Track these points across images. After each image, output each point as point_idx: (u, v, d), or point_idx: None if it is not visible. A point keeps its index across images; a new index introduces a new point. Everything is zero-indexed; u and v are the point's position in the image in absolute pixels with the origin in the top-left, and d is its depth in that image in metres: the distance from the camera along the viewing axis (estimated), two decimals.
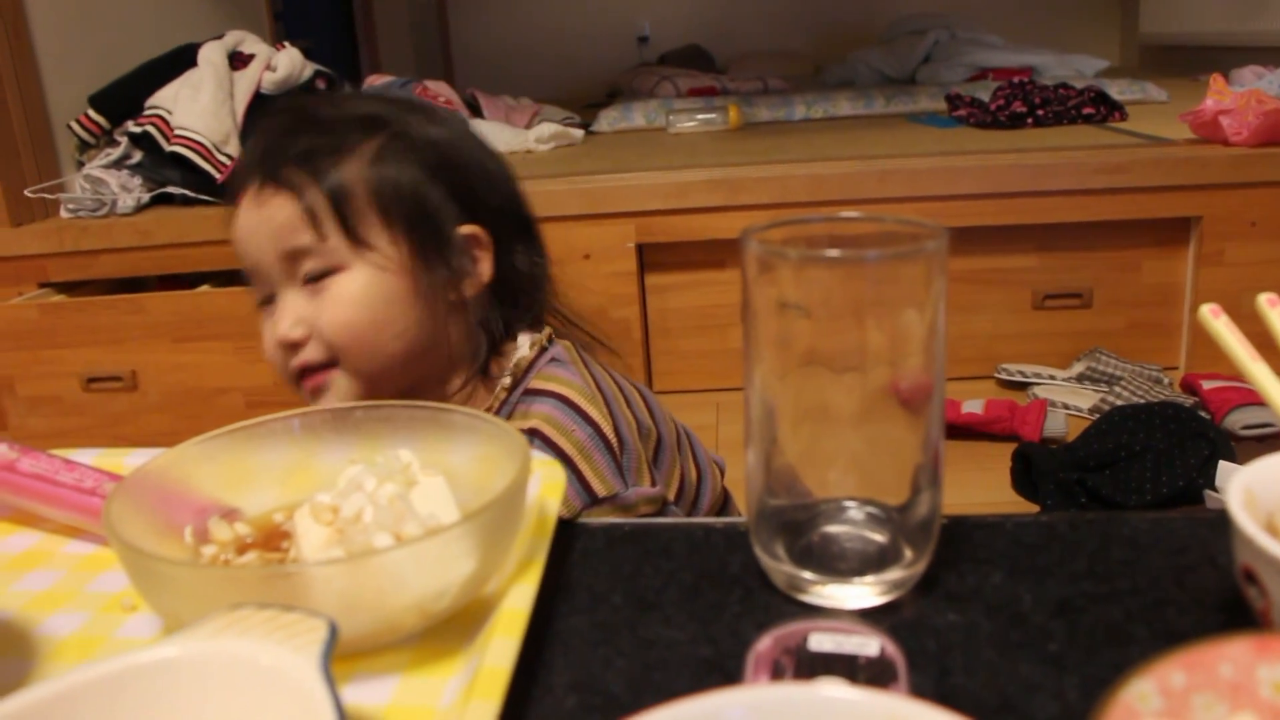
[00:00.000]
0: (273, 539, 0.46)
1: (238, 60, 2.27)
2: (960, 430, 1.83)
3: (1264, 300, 0.48)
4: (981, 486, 1.67)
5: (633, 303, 2.03)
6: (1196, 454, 1.55)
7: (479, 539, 0.39)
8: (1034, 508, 1.58)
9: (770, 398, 0.42)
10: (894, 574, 0.43)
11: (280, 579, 0.36)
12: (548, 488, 0.49)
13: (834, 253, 0.38)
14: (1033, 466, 1.60)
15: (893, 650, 0.36)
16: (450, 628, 0.41)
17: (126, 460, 0.56)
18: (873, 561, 0.43)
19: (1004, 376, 2.06)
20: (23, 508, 0.52)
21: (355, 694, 0.38)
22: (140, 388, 1.91)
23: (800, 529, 0.44)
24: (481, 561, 0.40)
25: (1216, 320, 0.47)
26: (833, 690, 0.27)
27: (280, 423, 0.49)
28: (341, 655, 0.38)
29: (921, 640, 0.40)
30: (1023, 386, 2.05)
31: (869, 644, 0.36)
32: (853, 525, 0.44)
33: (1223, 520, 0.42)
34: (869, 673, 0.35)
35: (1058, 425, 1.80)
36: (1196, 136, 2.11)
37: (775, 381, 0.42)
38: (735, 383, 2.09)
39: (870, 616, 0.42)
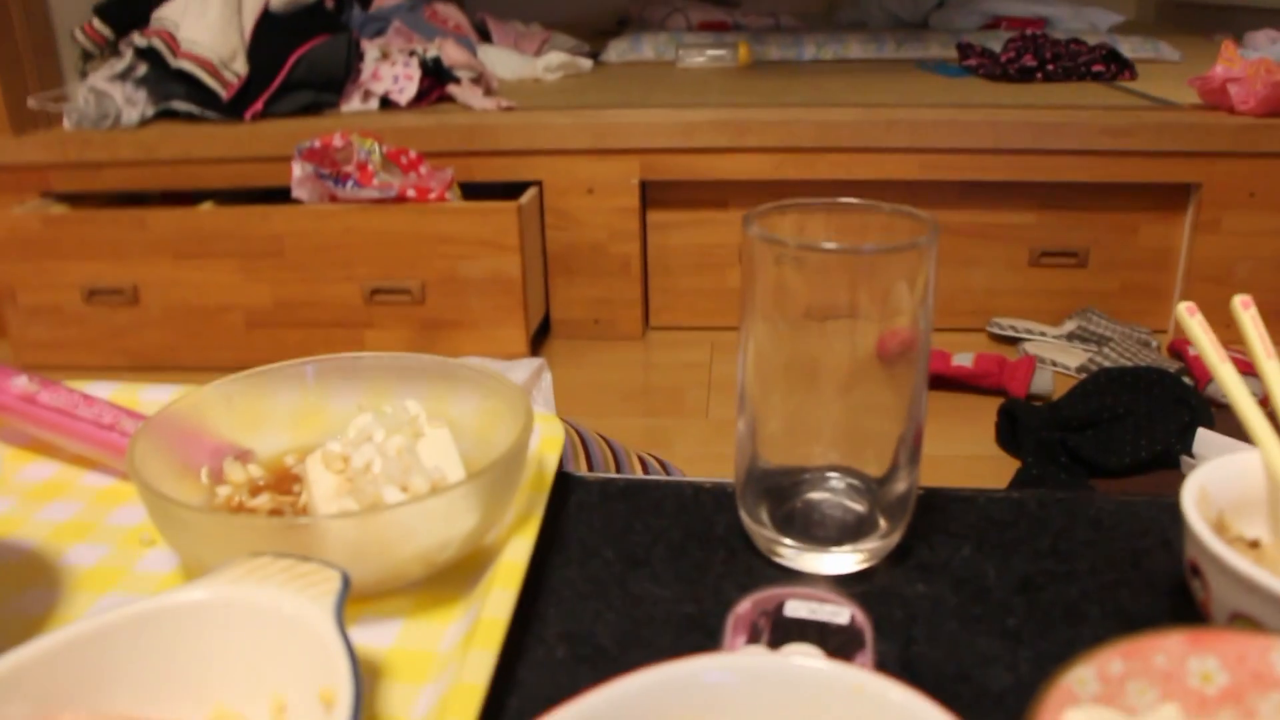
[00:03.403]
0: (284, 482, 0.48)
1: None
2: (950, 382, 1.86)
3: (1238, 302, 0.51)
4: (968, 439, 1.70)
5: (634, 239, 2.05)
6: (1177, 420, 1.58)
7: (482, 496, 0.41)
8: (1016, 462, 1.61)
9: (762, 369, 0.45)
10: (869, 544, 0.46)
11: (297, 530, 0.38)
12: (546, 442, 0.51)
13: (831, 245, 0.40)
14: (1017, 424, 1.63)
15: (861, 619, 0.39)
16: (451, 576, 0.44)
17: (142, 395, 0.58)
18: (850, 531, 0.46)
19: (996, 330, 2.09)
20: (41, 438, 0.55)
21: (361, 636, 0.41)
22: (141, 302, 1.93)
23: (784, 495, 0.47)
24: (483, 516, 0.42)
25: (1192, 319, 0.50)
26: (806, 661, 0.30)
27: (294, 368, 0.52)
28: (349, 599, 0.41)
29: (890, 609, 0.43)
30: (1014, 341, 2.08)
31: (840, 613, 0.39)
32: (834, 494, 0.47)
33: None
34: (838, 639, 0.38)
35: (1044, 382, 1.83)
36: (1203, 102, 2.12)
37: (768, 354, 0.44)
38: (730, 322, 2.11)
39: (845, 583, 0.45)
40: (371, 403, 0.52)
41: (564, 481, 0.53)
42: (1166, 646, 0.33)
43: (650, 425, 1.75)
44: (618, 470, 0.84)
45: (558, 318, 2.10)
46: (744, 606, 0.39)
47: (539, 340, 2.07)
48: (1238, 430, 1.52)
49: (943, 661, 0.40)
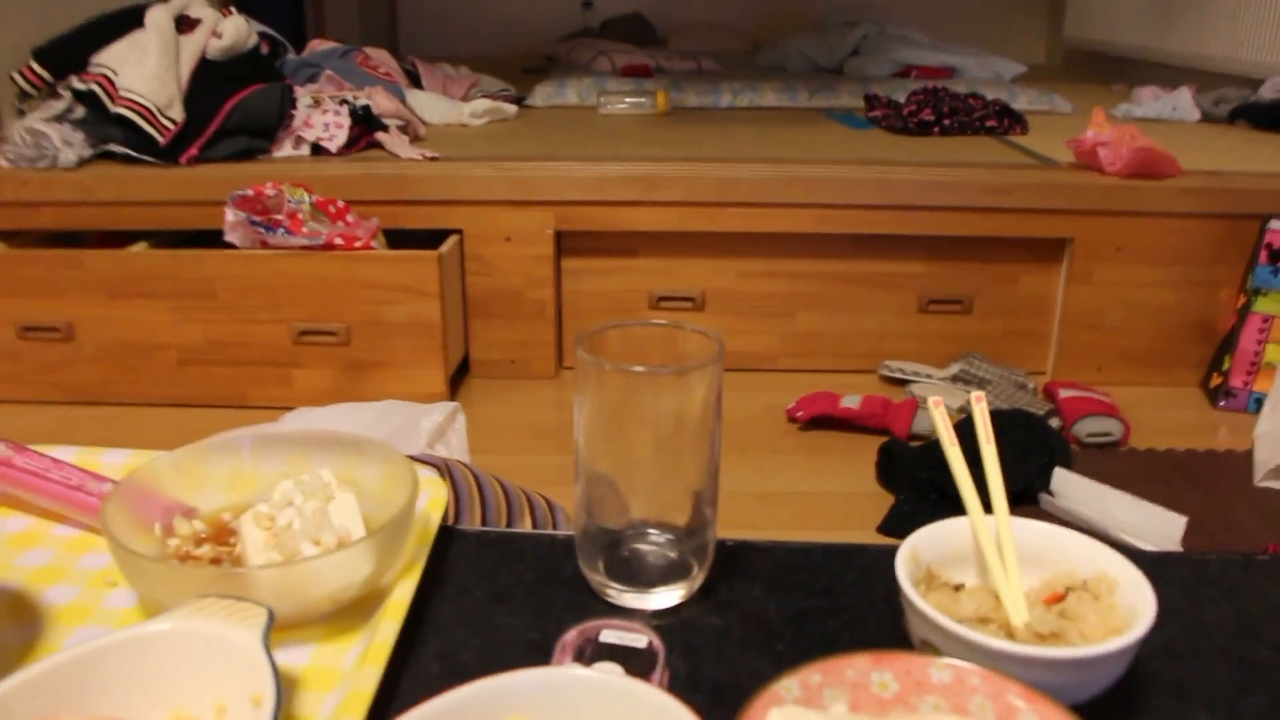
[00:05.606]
0: (222, 534, 0.60)
1: (184, 24, 2.36)
2: (838, 423, 2.01)
3: (974, 397, 0.65)
4: (851, 477, 1.85)
5: (548, 285, 2.18)
6: (1037, 460, 1.74)
7: (377, 550, 0.54)
8: (892, 499, 1.77)
9: (592, 450, 0.58)
10: (679, 585, 0.59)
11: (235, 577, 0.51)
12: (433, 503, 0.64)
13: (639, 368, 0.54)
14: (894, 462, 1.78)
15: (657, 644, 0.52)
16: (352, 610, 0.56)
17: (101, 458, 0.70)
18: (664, 574, 0.59)
19: (886, 373, 2.25)
20: (15, 496, 0.66)
21: (283, 657, 0.53)
22: (76, 339, 2.02)
23: (615, 546, 0.60)
24: (378, 565, 0.55)
25: (936, 409, 0.64)
26: (585, 671, 0.43)
27: (232, 440, 0.64)
28: (275, 628, 0.54)
29: (689, 637, 0.56)
30: (902, 383, 2.24)
31: (640, 639, 0.52)
32: (653, 545, 0.60)
33: None
34: (639, 659, 0.51)
35: (925, 423, 1.99)
36: (1078, 162, 2.31)
37: (596, 439, 0.58)
38: (638, 362, 2.25)
39: (658, 616, 0.58)
40: (293, 469, 0.64)
41: (448, 534, 0.66)
42: (855, 664, 0.47)
43: (561, 462, 1.88)
44: (509, 511, 0.97)
45: (476, 358, 2.23)
46: (570, 634, 0.53)
47: (458, 379, 2.19)
48: (1094, 470, 1.71)
49: (721, 676, 0.54)
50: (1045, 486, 1.72)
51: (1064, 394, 2.08)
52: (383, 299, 1.96)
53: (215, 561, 0.58)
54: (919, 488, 1.70)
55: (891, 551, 0.65)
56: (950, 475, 0.59)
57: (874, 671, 0.47)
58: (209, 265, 1.97)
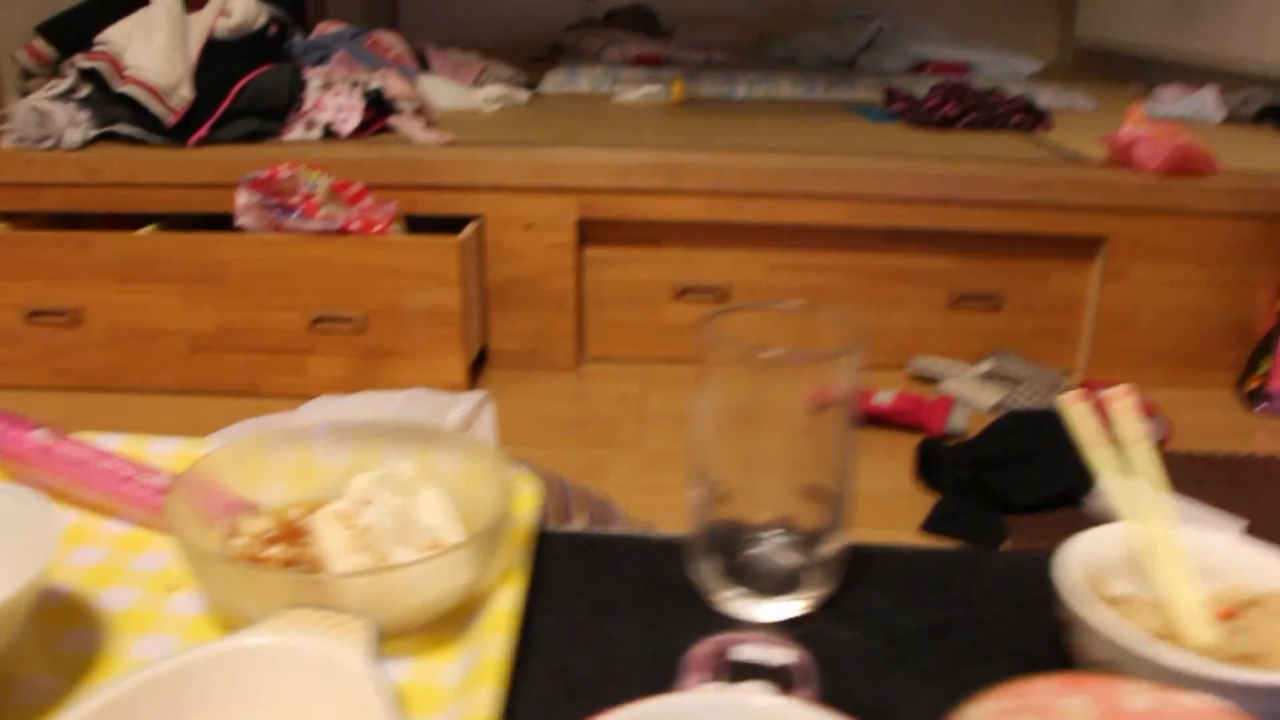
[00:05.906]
0: (293, 534, 0.54)
1: (192, 1, 2.29)
2: (871, 419, 1.95)
3: (1114, 393, 0.59)
4: (887, 474, 1.80)
5: (570, 273, 2.12)
6: (1076, 461, 1.69)
7: (479, 554, 0.48)
8: (931, 498, 1.71)
9: (716, 448, 0.52)
10: (803, 595, 0.53)
11: (324, 584, 0.45)
12: (524, 500, 0.58)
13: (773, 353, 0.48)
14: (934, 460, 1.73)
15: (806, 660, 0.46)
16: (448, 620, 0.50)
17: (149, 448, 0.63)
18: (787, 583, 0.53)
19: (916, 369, 2.20)
20: (58, 486, 0.60)
21: None
22: (84, 324, 1.95)
23: (731, 550, 0.54)
24: (479, 571, 0.49)
25: (1071, 406, 0.58)
26: (765, 699, 0.37)
27: (298, 429, 0.58)
28: None
29: (818, 651, 0.50)
30: (933, 380, 2.18)
31: (787, 654, 0.46)
32: (774, 550, 0.54)
33: None
34: (784, 678, 0.45)
35: (960, 421, 1.93)
36: (1112, 158, 2.25)
37: (721, 436, 0.52)
38: (661, 355, 2.19)
39: (781, 628, 0.52)
40: (363, 462, 0.58)
41: (539, 536, 0.60)
42: (1046, 688, 0.41)
43: (586, 456, 1.82)
44: (566, 509, 0.91)
45: (495, 348, 2.17)
46: (700, 649, 0.47)
47: (476, 370, 2.13)
48: None
49: (864, 697, 0.48)
50: (1088, 488, 1.67)
51: (1101, 394, 2.03)
52: (401, 285, 1.90)
53: (290, 564, 0.52)
54: (962, 487, 1.65)
55: (1020, 559, 0.60)
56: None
57: (1066, 697, 0.41)
58: (221, 249, 1.90)
